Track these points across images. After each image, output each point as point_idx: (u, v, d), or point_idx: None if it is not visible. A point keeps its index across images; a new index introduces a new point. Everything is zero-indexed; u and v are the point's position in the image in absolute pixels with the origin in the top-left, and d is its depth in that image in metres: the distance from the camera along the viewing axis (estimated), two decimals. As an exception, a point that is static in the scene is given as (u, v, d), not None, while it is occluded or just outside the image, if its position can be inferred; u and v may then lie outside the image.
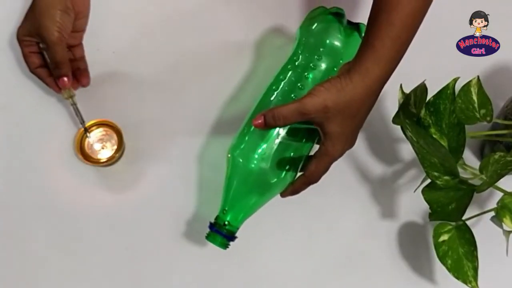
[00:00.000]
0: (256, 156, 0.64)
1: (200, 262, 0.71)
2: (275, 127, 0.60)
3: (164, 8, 0.80)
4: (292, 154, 0.65)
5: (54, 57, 0.68)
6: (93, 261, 0.71)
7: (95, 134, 0.73)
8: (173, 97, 0.77)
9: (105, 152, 0.73)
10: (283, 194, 0.65)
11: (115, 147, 0.72)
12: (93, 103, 0.74)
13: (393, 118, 0.67)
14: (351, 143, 0.61)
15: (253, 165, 0.64)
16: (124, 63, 0.77)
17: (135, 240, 0.72)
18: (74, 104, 0.71)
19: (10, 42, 0.76)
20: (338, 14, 0.70)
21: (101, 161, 0.72)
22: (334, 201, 0.74)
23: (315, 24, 0.70)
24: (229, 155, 0.66)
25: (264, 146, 0.64)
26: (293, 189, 0.64)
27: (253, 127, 0.63)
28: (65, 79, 0.69)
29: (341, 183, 0.74)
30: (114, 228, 0.72)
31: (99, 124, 0.73)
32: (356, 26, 0.71)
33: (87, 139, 0.72)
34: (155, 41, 0.79)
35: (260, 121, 0.59)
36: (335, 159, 0.60)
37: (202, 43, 0.79)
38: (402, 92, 0.68)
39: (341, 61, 0.68)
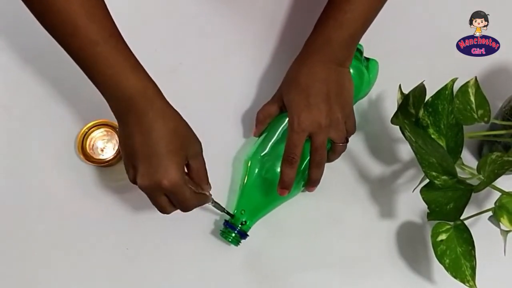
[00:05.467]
0: (275, 165, 0.67)
1: (201, 262, 0.72)
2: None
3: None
4: (304, 163, 0.68)
5: None
6: (93, 261, 0.72)
7: (96, 135, 0.74)
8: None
9: (106, 152, 0.73)
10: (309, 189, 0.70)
11: (116, 147, 0.73)
12: (94, 103, 0.73)
13: (392, 118, 0.67)
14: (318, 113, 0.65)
15: (272, 173, 0.68)
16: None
17: (135, 240, 0.72)
18: (214, 202, 0.69)
19: (10, 42, 0.77)
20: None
21: (102, 161, 0.72)
22: (333, 201, 0.74)
23: None
24: (248, 162, 0.70)
25: (282, 156, 0.66)
26: (310, 181, 0.68)
27: (272, 137, 0.69)
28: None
29: (340, 183, 0.74)
30: (114, 228, 0.72)
31: (100, 125, 0.73)
32: (366, 61, 0.73)
33: (88, 139, 0.73)
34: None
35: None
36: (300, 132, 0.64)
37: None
38: (401, 92, 0.68)
39: None
